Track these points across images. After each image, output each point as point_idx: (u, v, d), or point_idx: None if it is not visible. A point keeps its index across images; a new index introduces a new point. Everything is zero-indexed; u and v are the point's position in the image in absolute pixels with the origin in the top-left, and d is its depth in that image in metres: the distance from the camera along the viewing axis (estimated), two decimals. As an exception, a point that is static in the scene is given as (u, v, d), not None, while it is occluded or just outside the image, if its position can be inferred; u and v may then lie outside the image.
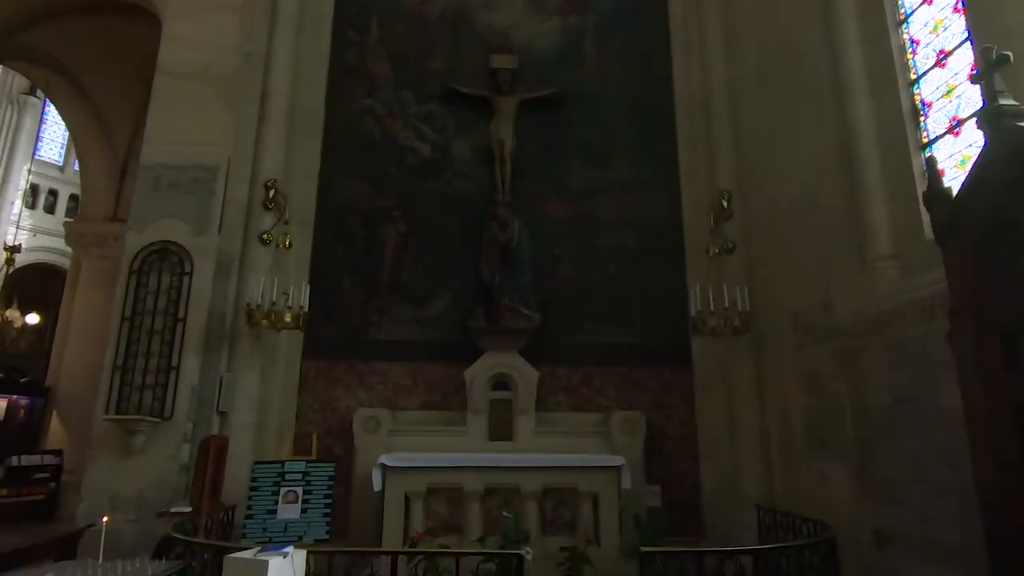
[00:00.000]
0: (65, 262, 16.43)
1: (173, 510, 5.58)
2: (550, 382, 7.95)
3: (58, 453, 11.45)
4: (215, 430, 6.83)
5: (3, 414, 14.55)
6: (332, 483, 6.42)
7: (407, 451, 7.02)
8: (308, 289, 7.24)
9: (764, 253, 7.61)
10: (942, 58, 5.56)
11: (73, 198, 19.82)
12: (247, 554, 3.56)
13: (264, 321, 6.83)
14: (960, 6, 5.35)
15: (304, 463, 6.47)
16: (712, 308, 7.01)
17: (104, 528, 4.09)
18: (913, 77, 5.89)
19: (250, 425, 7.08)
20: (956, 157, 5.30)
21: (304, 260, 7.98)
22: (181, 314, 6.76)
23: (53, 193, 21.08)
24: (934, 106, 5.65)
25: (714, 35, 8.55)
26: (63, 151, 21.37)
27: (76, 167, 16.62)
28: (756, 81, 7.86)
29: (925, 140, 5.69)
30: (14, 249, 14.35)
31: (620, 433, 7.38)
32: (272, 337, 7.47)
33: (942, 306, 4.39)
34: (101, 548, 3.99)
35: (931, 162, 4.33)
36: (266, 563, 3.40)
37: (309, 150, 8.30)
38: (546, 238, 8.33)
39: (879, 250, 5.91)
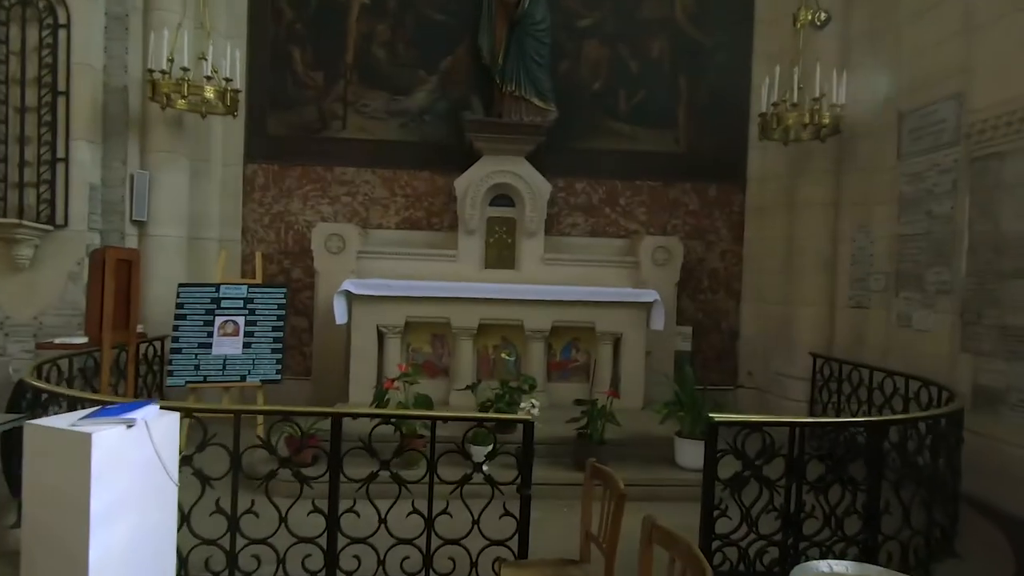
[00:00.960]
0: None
1: (58, 341, 4.19)
2: (565, 198, 6.28)
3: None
4: (132, 245, 5.28)
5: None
6: (283, 313, 5.00)
7: (381, 278, 5.55)
8: (242, 58, 5.28)
9: (871, 26, 5.52)
10: None
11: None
12: (62, 421, 2.10)
13: (178, 100, 4.94)
14: None
15: (246, 287, 5.00)
16: (794, 100, 5.09)
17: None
18: None
19: (178, 239, 5.51)
20: None
21: (239, 22, 5.89)
22: (61, 86, 4.86)
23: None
24: None
25: None
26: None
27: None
28: None
29: None
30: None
31: (650, 263, 5.86)
32: (200, 128, 5.66)
33: None
34: None
35: None
36: (87, 437, 1.95)
37: None
38: (569, 2, 6.14)
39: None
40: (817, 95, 5.01)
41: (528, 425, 2.90)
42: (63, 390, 3.12)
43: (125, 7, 5.19)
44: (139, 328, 4.85)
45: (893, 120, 5.32)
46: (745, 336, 6.40)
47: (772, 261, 6.19)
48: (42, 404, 3.02)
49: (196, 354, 4.75)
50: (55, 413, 2.72)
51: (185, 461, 2.64)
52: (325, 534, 2.78)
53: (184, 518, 2.71)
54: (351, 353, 5.16)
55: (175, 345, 4.74)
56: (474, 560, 2.85)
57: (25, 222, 4.67)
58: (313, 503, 2.80)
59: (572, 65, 6.18)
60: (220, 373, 4.74)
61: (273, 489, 2.83)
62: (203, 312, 4.86)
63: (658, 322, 5.28)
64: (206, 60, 4.89)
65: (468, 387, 4.38)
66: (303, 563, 2.76)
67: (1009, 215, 4.21)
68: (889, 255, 5.31)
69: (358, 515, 2.85)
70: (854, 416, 4.83)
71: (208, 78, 4.84)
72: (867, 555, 2.94)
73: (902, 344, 5.12)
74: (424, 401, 3.86)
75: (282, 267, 6.09)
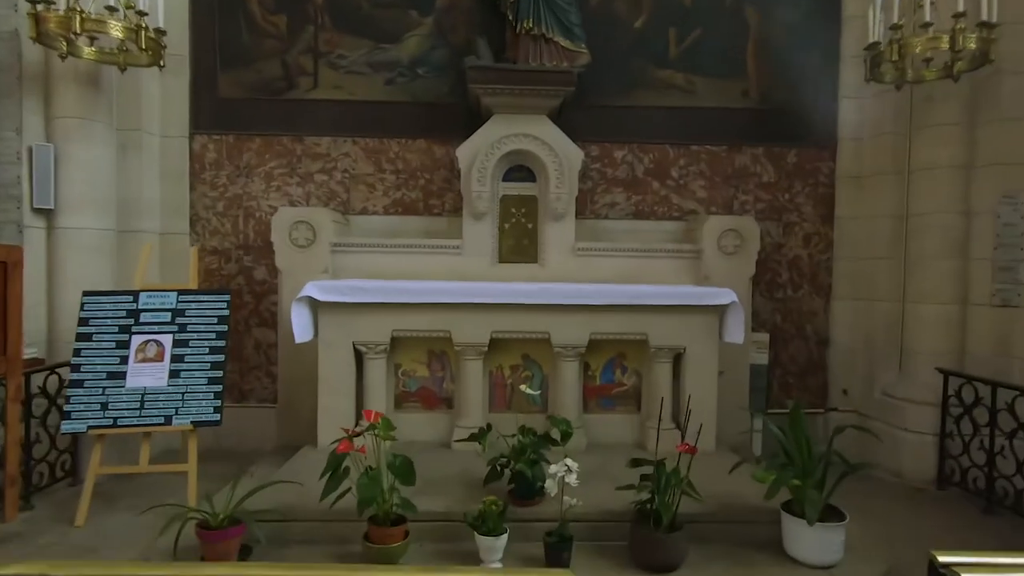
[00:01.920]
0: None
1: None
2: (600, 170, 4.88)
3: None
4: (36, 241, 4.03)
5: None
6: (225, 328, 3.70)
7: (365, 278, 4.24)
8: (171, -7, 3.99)
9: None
10: None
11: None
12: None
13: (84, 47, 3.66)
14: None
15: (175, 295, 3.71)
16: (926, 19, 3.61)
17: None
18: None
19: (101, 233, 4.24)
20: None
21: (173, -49, 4.59)
22: (-77, 27, 3.62)
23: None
24: None
25: None
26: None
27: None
28: None
29: None
30: None
31: (716, 252, 4.44)
32: (128, 88, 4.40)
33: None
34: None
35: None
36: None
37: None
38: (602, -90, 4.73)
39: None
40: (960, 9, 3.53)
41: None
42: None
43: (10, -77, 3.92)
44: (28, 352, 3.60)
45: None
46: (838, 344, 4.94)
47: (875, 245, 4.72)
48: None
49: (104, 388, 3.47)
50: None
51: None
52: None
53: None
54: (319, 381, 3.84)
55: (75, 376, 3.46)
56: None
57: None
58: None
59: (607, -3, 4.77)
60: (136, 414, 3.45)
61: None
62: (115, 330, 3.58)
63: (735, 332, 3.86)
64: (117, -9, 3.59)
65: (472, 436, 3.03)
66: None
67: None
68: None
69: None
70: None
71: (110, 8, 3.52)
72: None
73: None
74: (404, 468, 2.54)
75: (242, 265, 4.80)
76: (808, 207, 4.94)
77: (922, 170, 4.38)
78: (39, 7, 3.46)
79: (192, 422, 3.48)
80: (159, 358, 3.57)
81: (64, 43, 3.67)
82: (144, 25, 3.66)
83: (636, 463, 2.81)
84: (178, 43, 4.63)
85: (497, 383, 4.04)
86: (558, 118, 4.51)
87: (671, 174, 4.89)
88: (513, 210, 4.55)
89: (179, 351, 3.60)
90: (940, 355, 4.29)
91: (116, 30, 3.58)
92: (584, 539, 2.81)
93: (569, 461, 2.66)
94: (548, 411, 3.98)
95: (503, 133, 4.35)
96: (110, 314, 3.60)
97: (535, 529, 2.82)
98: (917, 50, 3.68)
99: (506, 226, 4.54)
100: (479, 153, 4.36)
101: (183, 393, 3.52)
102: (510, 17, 4.40)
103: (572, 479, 2.63)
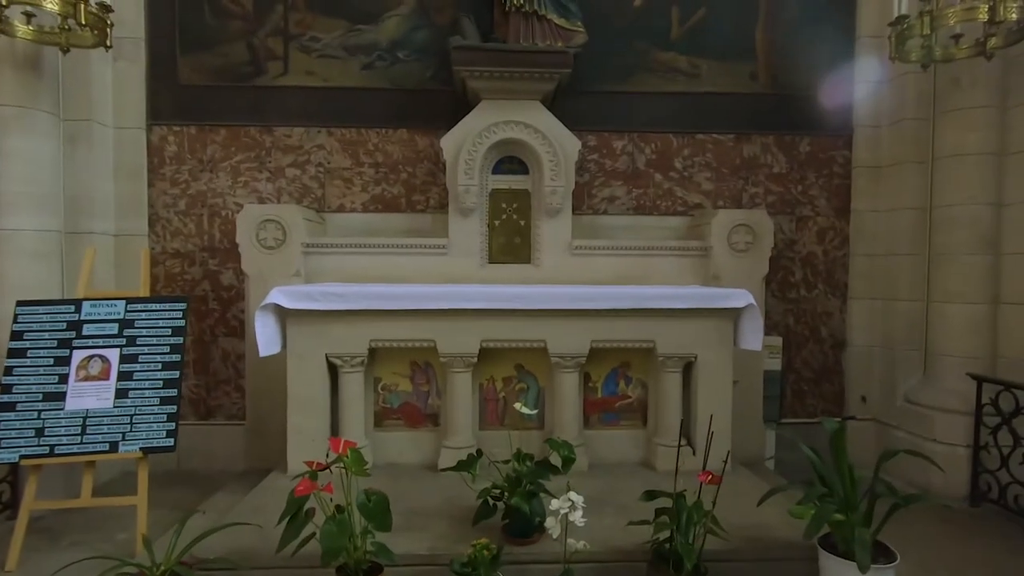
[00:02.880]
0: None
1: None
2: (598, 161, 4.49)
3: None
4: (-31, 244, 3.59)
5: None
6: (180, 341, 3.28)
7: (341, 282, 3.84)
8: (115, -37, 3.55)
9: None
10: None
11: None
12: None
13: (19, 25, 3.23)
14: None
15: (123, 303, 3.29)
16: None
17: None
18: None
19: (44, 235, 3.78)
20: None
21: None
22: None
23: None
24: None
25: None
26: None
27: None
28: None
29: None
30: None
31: (726, 250, 4.07)
32: (76, 73, 3.96)
33: None
34: None
35: None
36: None
37: None
38: None
39: None
40: (996, -24, 3.17)
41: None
42: None
43: None
44: (-50, 372, 3.16)
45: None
46: (855, 347, 4.59)
47: (895, 240, 4.37)
48: None
49: (39, 411, 3.04)
50: None
51: None
52: None
53: None
54: (288, 398, 3.42)
55: (6, 398, 3.03)
56: None
57: None
58: None
59: (605, -29, 4.38)
60: (77, 440, 3.02)
61: None
62: (53, 344, 3.15)
63: (752, 338, 3.49)
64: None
65: (460, 464, 2.63)
66: None
67: None
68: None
69: None
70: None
71: (42, -23, 3.10)
72: None
73: None
74: (378, 510, 2.13)
75: (207, 269, 4.37)
76: (822, 200, 4.57)
77: (948, 157, 4.03)
78: (-42, -24, 3.03)
79: (141, 448, 3.06)
80: (104, 376, 3.14)
81: (-7, 20, 3.24)
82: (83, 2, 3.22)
83: (651, 496, 2.41)
84: (133, 24, 4.23)
85: (488, 397, 3.64)
86: (552, 105, 4.12)
87: (675, 165, 4.51)
88: (504, 205, 4.15)
89: (127, 367, 3.17)
90: (969, 358, 3.95)
91: (51, 3, 3.15)
92: (591, 582, 2.43)
93: (573, 495, 2.27)
94: (545, 427, 3.59)
95: (492, 120, 3.95)
96: (47, 326, 3.17)
97: (533, 572, 2.44)
98: (951, 23, 3.32)
99: (496, 223, 4.14)
100: (466, 143, 3.96)
101: (131, 415, 3.10)
102: (500, -6, 4.00)
103: (577, 517, 2.24)
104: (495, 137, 3.97)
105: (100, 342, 3.20)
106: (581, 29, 4.05)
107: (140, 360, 3.20)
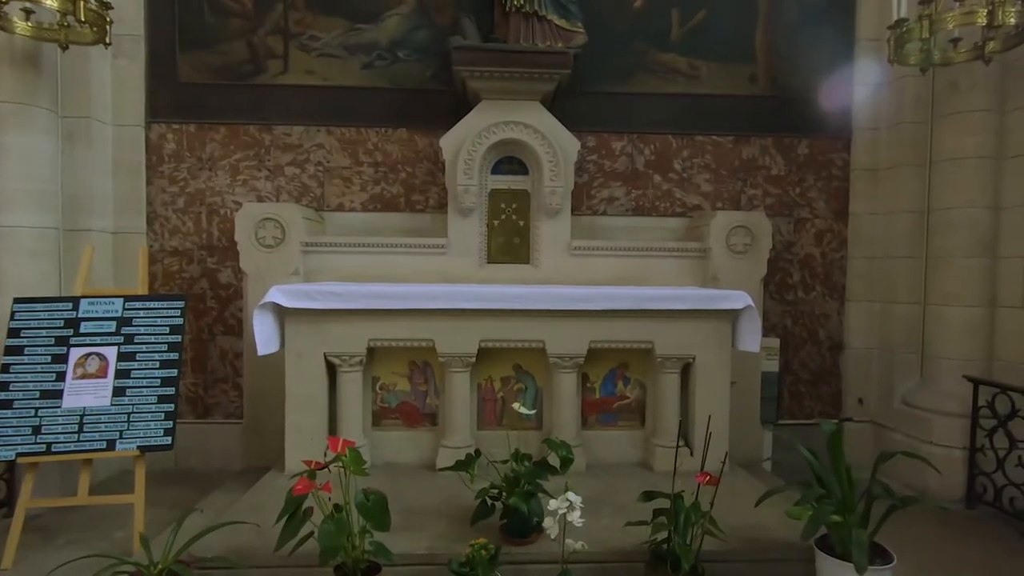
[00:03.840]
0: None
1: None
2: (597, 162, 4.50)
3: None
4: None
5: None
6: (179, 339, 3.27)
7: (339, 281, 3.84)
8: (115, -40, 3.54)
9: None
10: None
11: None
12: None
13: (17, 21, 3.22)
14: None
15: (121, 301, 3.28)
16: (953, -7, 3.27)
17: None
18: None
19: (42, 233, 3.78)
20: None
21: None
22: None
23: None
24: None
25: None
26: None
27: None
28: None
29: None
30: None
31: (725, 251, 4.07)
32: (75, 70, 3.96)
33: None
34: None
35: None
36: None
37: None
38: None
39: None
40: (995, -17, 3.19)
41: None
42: None
43: None
44: (-52, 370, 3.15)
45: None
46: (853, 349, 4.60)
47: (893, 243, 4.39)
48: None
49: (36, 408, 3.03)
50: None
51: None
52: None
53: None
54: (287, 397, 3.42)
55: (2, 396, 3.02)
56: None
57: None
58: None
59: (605, -28, 4.38)
60: (74, 438, 3.02)
61: None
62: (51, 342, 3.15)
63: (750, 339, 3.49)
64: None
65: (459, 464, 2.63)
66: None
67: None
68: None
69: None
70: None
71: (41, -26, 3.09)
72: None
73: None
74: (376, 509, 2.13)
75: (205, 268, 4.36)
76: (821, 202, 4.59)
77: (946, 161, 4.04)
78: (-44, -28, 3.02)
79: (139, 447, 3.05)
80: (101, 374, 3.14)
81: (-9, 16, 3.23)
82: (83, -3, 3.22)
83: (649, 496, 2.42)
84: (133, 22, 4.22)
85: (486, 397, 3.64)
86: (552, 105, 4.13)
87: (674, 167, 4.52)
88: (503, 206, 4.15)
89: (125, 365, 3.17)
90: (966, 361, 3.96)
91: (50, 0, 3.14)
92: (589, 582, 2.43)
93: (571, 496, 2.27)
94: (543, 428, 3.60)
95: (492, 121, 3.96)
96: (45, 324, 3.17)
97: (530, 572, 2.45)
98: (950, 27, 3.33)
99: (495, 223, 4.14)
100: (465, 143, 3.96)
101: (129, 414, 3.09)
102: (500, -5, 4.01)
103: (575, 517, 2.24)
104: (495, 137, 3.97)
105: (98, 340, 3.19)
106: (581, 30, 4.06)
107: (138, 358, 3.19)
